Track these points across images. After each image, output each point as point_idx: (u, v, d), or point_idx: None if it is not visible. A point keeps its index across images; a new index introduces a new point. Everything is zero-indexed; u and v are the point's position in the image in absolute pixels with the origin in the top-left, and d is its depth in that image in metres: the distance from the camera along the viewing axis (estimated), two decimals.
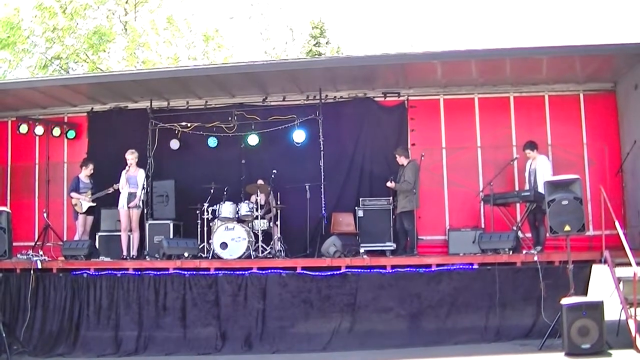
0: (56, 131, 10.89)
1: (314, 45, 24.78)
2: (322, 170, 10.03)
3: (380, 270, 8.31)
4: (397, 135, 10.44)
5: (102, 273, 8.63)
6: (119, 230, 9.67)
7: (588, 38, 34.37)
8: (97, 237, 10.15)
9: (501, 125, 10.29)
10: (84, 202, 10.04)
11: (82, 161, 10.31)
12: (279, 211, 9.80)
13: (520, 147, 9.61)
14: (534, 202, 8.85)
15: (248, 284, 8.42)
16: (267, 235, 9.79)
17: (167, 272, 8.56)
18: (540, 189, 8.56)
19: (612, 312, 7.50)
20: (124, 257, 9.42)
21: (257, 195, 9.65)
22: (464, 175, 10.22)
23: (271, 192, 9.93)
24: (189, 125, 10.56)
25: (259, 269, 8.49)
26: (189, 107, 10.94)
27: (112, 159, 10.24)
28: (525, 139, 9.52)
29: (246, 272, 8.45)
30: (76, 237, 9.96)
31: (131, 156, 9.64)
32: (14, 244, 8.42)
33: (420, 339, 8.05)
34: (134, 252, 9.53)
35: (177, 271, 8.55)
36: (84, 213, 10.08)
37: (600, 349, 6.77)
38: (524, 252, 8.45)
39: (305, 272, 8.39)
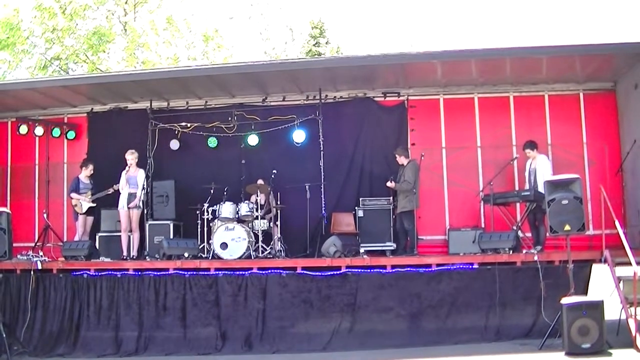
0: (56, 132, 10.90)
1: (314, 45, 24.78)
2: (322, 170, 10.03)
3: (380, 270, 8.31)
4: (397, 135, 10.45)
5: (102, 273, 8.63)
6: (119, 231, 9.67)
7: (588, 38, 34.37)
8: (97, 237, 10.15)
9: (501, 125, 10.29)
10: (84, 202, 10.04)
11: (82, 162, 10.31)
12: (279, 211, 9.80)
13: (520, 146, 9.62)
14: (534, 201, 8.85)
15: (248, 284, 8.42)
16: (267, 236, 9.79)
17: (167, 273, 8.56)
18: (540, 188, 8.56)
19: (612, 311, 7.50)
20: (124, 257, 9.42)
21: (257, 196, 9.66)
22: (464, 175, 10.22)
23: (271, 192, 9.93)
24: (189, 125, 10.57)
25: (259, 269, 8.49)
26: (189, 108, 10.94)
27: (112, 159, 10.24)
28: (525, 138, 9.52)
29: (246, 272, 8.45)
30: (76, 238, 9.96)
31: (131, 156, 9.64)
32: (14, 244, 8.43)
33: (421, 339, 8.05)
34: (134, 253, 9.53)
35: (177, 271, 8.55)
36: (84, 213, 10.08)
37: (601, 348, 6.77)
38: (524, 251, 8.46)
39: (305, 272, 8.39)
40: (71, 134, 11.01)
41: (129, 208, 9.49)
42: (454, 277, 8.25)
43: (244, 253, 9.10)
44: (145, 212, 9.82)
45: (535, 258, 8.01)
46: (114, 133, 10.77)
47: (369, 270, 8.32)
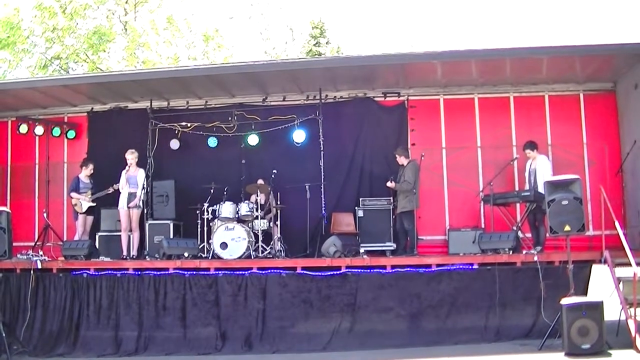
0: (56, 131, 10.89)
1: (314, 45, 24.77)
2: (322, 170, 10.03)
3: (380, 270, 8.31)
4: (397, 135, 10.45)
5: (102, 273, 8.63)
6: (119, 230, 9.67)
7: (588, 38, 34.38)
8: (97, 237, 10.15)
9: (501, 125, 10.29)
10: (84, 202, 10.04)
11: (82, 161, 10.31)
12: (279, 211, 9.80)
13: (520, 147, 9.62)
14: (534, 202, 8.85)
15: (248, 284, 8.42)
16: (267, 235, 9.78)
17: (167, 272, 8.56)
18: (540, 189, 8.56)
19: (612, 312, 7.50)
20: (124, 257, 9.42)
21: (257, 195, 9.65)
22: (464, 175, 10.22)
23: (271, 192, 9.93)
24: (189, 125, 10.56)
25: (259, 269, 8.49)
26: (189, 107, 10.94)
27: (112, 159, 10.24)
28: (525, 138, 9.52)
29: (246, 272, 8.45)
30: (76, 237, 9.96)
31: (131, 156, 9.64)
32: (14, 244, 8.42)
33: (420, 339, 8.05)
34: (134, 252, 9.53)
35: (177, 271, 8.55)
36: (84, 213, 10.08)
37: (600, 349, 6.77)
38: (524, 252, 8.45)
39: (305, 272, 8.39)
40: (71, 134, 11.00)
41: (129, 207, 9.49)
42: (454, 278, 8.24)
43: (244, 253, 9.10)
44: (145, 211, 9.82)
45: (535, 258, 8.01)
46: (114, 132, 10.77)
47: (369, 271, 8.32)
